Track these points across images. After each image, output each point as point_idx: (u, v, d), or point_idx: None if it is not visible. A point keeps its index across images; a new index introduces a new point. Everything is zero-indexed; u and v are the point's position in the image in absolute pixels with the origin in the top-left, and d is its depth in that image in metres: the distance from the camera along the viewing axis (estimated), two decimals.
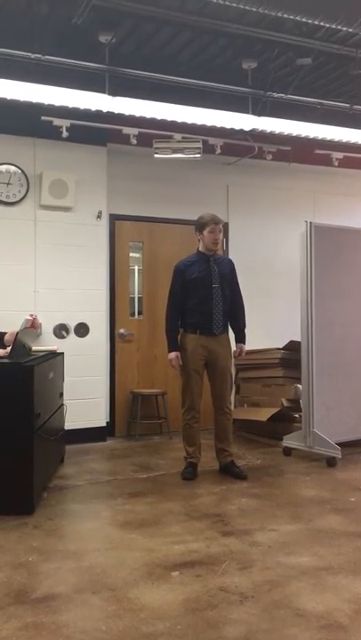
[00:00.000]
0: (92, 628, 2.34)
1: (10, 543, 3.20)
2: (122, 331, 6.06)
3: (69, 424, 5.03)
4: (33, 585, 2.72)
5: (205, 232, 4.54)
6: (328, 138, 5.57)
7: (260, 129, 5.27)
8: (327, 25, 4.08)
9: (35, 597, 2.60)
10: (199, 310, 4.48)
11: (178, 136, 5.59)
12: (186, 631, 2.31)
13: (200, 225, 4.57)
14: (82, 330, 5.69)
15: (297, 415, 5.42)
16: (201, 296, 4.48)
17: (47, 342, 5.38)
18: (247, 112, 5.08)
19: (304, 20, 4.01)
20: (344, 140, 5.68)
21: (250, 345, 4.79)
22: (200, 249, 4.63)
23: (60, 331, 5.60)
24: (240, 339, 4.68)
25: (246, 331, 4.71)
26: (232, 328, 4.69)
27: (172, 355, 4.52)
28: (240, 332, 4.69)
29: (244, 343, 4.69)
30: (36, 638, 2.27)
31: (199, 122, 5.01)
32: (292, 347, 5.56)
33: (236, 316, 4.67)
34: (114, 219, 6.04)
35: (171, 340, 4.55)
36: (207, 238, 4.55)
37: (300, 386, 5.26)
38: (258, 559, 2.99)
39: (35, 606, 2.51)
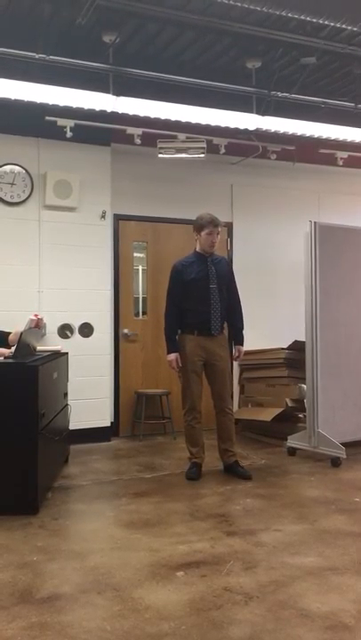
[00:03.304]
0: (97, 627, 2.34)
1: (14, 543, 3.20)
2: (126, 331, 6.06)
3: (74, 424, 5.04)
4: (37, 585, 2.72)
5: (203, 234, 4.51)
6: (332, 137, 5.56)
7: (264, 128, 5.26)
8: (331, 24, 4.09)
9: (39, 597, 2.60)
10: (197, 311, 4.46)
11: (182, 136, 5.59)
12: (190, 631, 2.31)
13: (198, 226, 4.54)
14: (86, 330, 5.70)
15: (301, 415, 5.41)
16: (199, 297, 4.46)
17: (51, 342, 5.39)
18: (251, 111, 5.07)
19: (308, 18, 4.01)
20: (348, 140, 5.67)
21: (254, 344, 4.78)
22: (197, 249, 4.61)
23: (65, 331, 5.61)
24: (238, 340, 4.66)
25: (250, 330, 4.70)
26: (230, 329, 4.67)
27: (172, 356, 4.50)
28: (238, 333, 4.66)
29: (243, 344, 4.66)
30: (41, 638, 2.27)
31: (203, 121, 5.00)
32: (297, 346, 5.55)
33: (233, 317, 4.64)
34: (118, 219, 6.04)
35: (170, 340, 4.53)
36: (204, 240, 4.52)
37: (304, 386, 5.25)
38: (263, 559, 2.99)
39: (39, 606, 2.51)
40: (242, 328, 4.67)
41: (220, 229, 4.55)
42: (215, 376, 4.53)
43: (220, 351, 4.52)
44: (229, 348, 4.69)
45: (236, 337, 4.66)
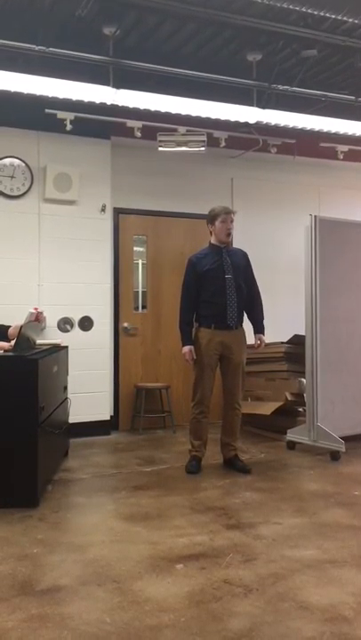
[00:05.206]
0: (97, 619, 2.35)
1: (15, 535, 3.21)
2: (126, 325, 6.06)
3: (73, 417, 5.04)
4: (38, 577, 2.73)
5: (217, 222, 4.51)
6: (333, 131, 5.54)
7: (264, 122, 5.23)
8: (333, 16, 4.07)
9: (39, 589, 2.61)
10: (213, 302, 4.45)
11: (182, 129, 5.56)
12: (190, 623, 2.32)
13: (212, 216, 4.55)
14: (86, 323, 5.70)
15: (301, 409, 5.41)
16: (214, 287, 4.44)
17: (51, 336, 5.39)
18: (252, 105, 5.05)
19: (309, 11, 3.99)
20: (349, 133, 5.64)
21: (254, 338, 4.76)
22: (212, 241, 4.60)
23: (65, 324, 5.60)
24: (259, 329, 4.62)
25: (250, 324, 4.68)
26: (250, 320, 4.64)
27: (186, 349, 4.48)
28: (259, 324, 4.63)
29: (264, 334, 4.62)
30: (41, 630, 2.28)
31: (204, 115, 4.97)
32: (297, 341, 5.55)
33: (253, 308, 4.62)
34: (118, 212, 6.03)
35: (185, 333, 4.51)
36: (219, 229, 4.51)
37: (304, 380, 5.25)
38: (262, 552, 3.00)
39: (39, 598, 2.52)
40: (262, 319, 4.63)
41: (233, 217, 4.55)
42: (229, 370, 4.52)
43: (236, 345, 4.49)
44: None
45: (257, 327, 4.62)
